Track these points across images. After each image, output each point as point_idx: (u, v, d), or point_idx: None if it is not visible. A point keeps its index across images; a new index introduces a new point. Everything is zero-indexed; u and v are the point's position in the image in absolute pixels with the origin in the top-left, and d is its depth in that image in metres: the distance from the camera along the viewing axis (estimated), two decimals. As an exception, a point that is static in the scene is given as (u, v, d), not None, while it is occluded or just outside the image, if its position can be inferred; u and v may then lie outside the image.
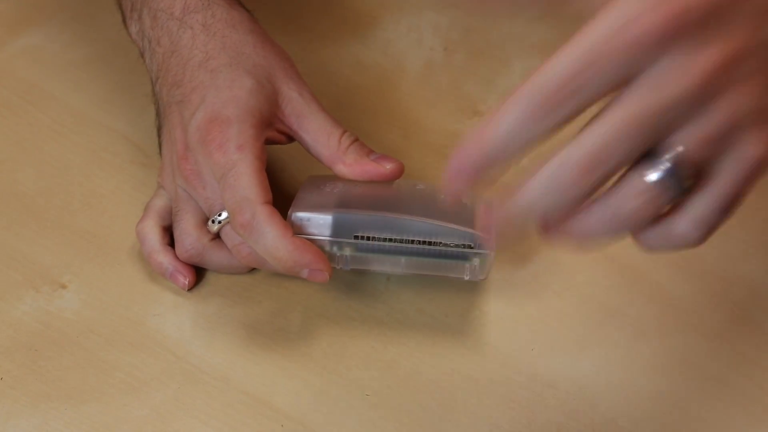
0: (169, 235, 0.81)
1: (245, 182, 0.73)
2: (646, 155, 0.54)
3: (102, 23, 0.95)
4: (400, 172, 0.77)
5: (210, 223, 0.77)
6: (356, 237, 0.74)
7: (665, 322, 0.79)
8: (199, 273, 0.81)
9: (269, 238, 0.73)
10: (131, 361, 0.77)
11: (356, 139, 0.78)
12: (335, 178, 0.78)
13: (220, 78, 0.77)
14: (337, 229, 0.74)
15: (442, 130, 0.89)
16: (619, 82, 0.53)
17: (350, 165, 0.77)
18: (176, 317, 0.79)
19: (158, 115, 0.82)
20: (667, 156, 0.54)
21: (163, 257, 0.80)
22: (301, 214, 0.74)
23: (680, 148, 0.54)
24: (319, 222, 0.74)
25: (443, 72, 0.93)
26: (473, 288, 0.80)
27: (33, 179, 0.87)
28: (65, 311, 0.80)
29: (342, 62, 0.85)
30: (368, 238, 0.74)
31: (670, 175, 0.54)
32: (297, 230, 0.74)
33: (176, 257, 0.80)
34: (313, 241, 0.74)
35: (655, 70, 0.53)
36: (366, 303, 0.80)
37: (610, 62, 0.52)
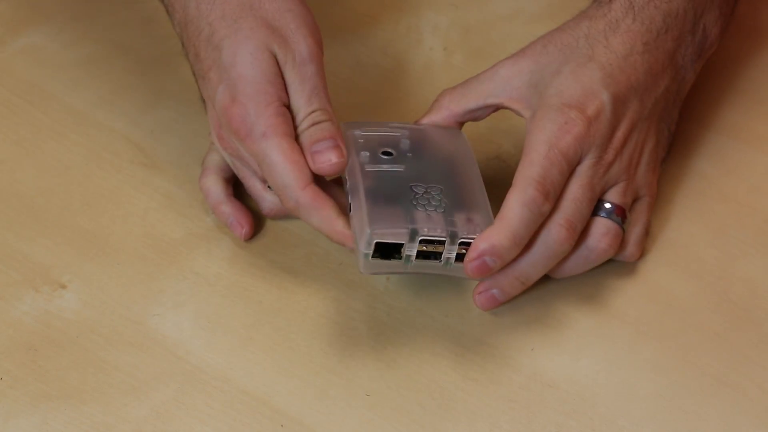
0: (232, 186, 0.84)
1: (280, 170, 0.76)
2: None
3: (102, 23, 0.96)
4: (328, 171, 0.77)
5: (268, 187, 0.81)
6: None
7: (665, 322, 0.79)
8: (200, 271, 0.81)
9: (315, 221, 0.76)
10: (131, 361, 0.77)
11: (316, 123, 0.78)
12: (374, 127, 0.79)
13: (224, 55, 0.78)
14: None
15: (442, 130, 0.89)
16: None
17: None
18: (176, 317, 0.80)
19: (193, 73, 0.83)
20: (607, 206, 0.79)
21: (226, 207, 0.83)
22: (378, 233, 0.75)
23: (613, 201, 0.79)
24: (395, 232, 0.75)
25: (443, 72, 0.93)
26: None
27: (33, 179, 0.87)
28: (65, 311, 0.80)
29: (342, 62, 0.85)
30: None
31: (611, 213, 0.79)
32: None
33: (239, 208, 0.83)
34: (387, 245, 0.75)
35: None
36: (366, 303, 0.80)
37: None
